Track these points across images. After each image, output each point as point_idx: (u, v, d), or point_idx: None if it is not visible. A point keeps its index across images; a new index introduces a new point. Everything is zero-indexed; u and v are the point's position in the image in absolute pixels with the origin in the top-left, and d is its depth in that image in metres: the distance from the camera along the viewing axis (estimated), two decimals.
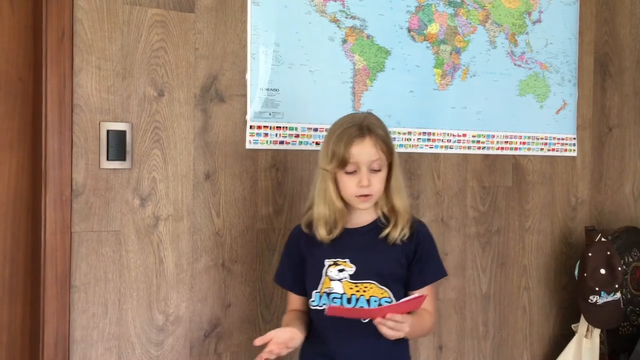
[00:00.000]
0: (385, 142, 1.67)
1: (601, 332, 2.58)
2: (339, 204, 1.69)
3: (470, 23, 2.48)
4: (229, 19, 2.07)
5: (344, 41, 2.24)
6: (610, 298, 2.51)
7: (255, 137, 2.11)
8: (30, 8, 1.91)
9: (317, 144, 2.19)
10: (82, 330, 1.89)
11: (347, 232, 1.71)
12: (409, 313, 1.61)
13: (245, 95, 2.09)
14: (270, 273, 2.13)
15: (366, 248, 1.70)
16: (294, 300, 1.80)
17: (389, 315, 1.53)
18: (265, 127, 2.12)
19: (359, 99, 2.27)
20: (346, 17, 2.24)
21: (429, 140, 2.42)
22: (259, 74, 2.10)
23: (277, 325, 2.15)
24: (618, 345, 2.67)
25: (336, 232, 1.70)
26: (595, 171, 2.84)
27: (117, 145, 1.91)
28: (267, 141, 2.12)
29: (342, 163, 1.64)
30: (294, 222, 2.17)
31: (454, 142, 2.47)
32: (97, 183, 1.90)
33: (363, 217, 1.72)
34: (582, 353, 2.55)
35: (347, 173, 1.66)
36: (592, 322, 2.53)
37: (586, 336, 2.55)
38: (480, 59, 2.50)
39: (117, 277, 1.93)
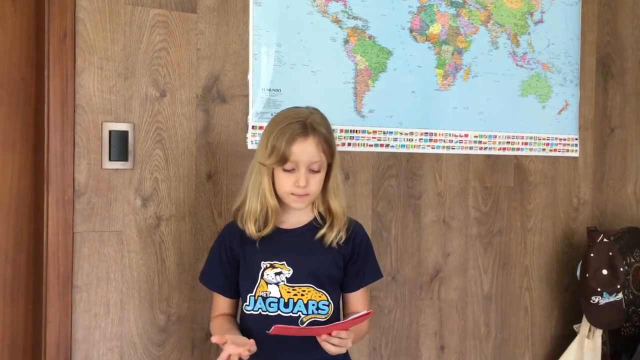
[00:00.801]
0: (327, 143, 1.61)
1: (603, 332, 2.58)
2: (272, 201, 1.62)
3: (472, 23, 2.48)
4: (231, 19, 2.07)
5: (346, 41, 2.24)
6: (612, 299, 2.51)
7: (257, 138, 2.11)
8: (32, 8, 1.91)
9: None
10: (84, 330, 1.89)
11: (283, 233, 1.66)
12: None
13: (247, 96, 2.09)
14: None
15: (303, 250, 1.64)
16: (223, 304, 1.70)
17: (334, 333, 1.49)
18: None
19: (361, 99, 2.28)
20: (348, 18, 2.24)
21: (430, 140, 2.42)
22: (260, 75, 2.10)
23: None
24: (620, 346, 2.66)
25: (267, 230, 1.63)
26: (597, 172, 2.84)
27: (119, 146, 1.91)
28: None
29: (282, 160, 1.58)
30: None
31: (456, 142, 2.47)
32: (99, 183, 1.90)
33: (299, 217, 1.67)
34: (584, 354, 2.55)
35: (285, 170, 1.60)
36: (594, 322, 2.53)
37: (588, 337, 2.55)
38: (482, 59, 2.50)
39: (119, 277, 1.93)
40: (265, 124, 2.10)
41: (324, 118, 1.66)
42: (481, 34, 2.50)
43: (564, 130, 2.72)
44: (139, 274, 1.96)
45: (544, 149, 2.67)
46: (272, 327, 1.48)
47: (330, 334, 1.50)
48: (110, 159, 1.91)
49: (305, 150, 1.58)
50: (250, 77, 2.09)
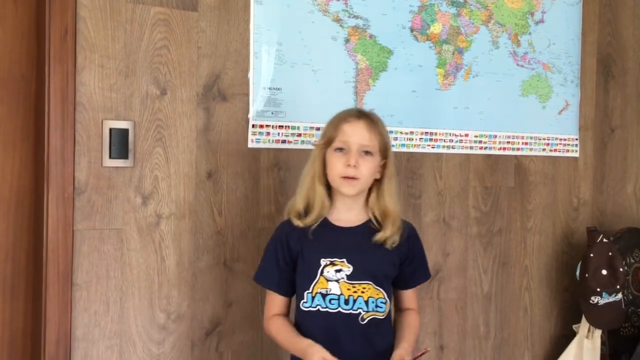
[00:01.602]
0: (381, 134, 1.64)
1: (602, 332, 2.58)
2: (319, 187, 1.65)
3: (473, 23, 2.48)
4: (232, 17, 2.07)
5: (347, 40, 2.24)
6: (611, 299, 2.51)
7: (258, 136, 2.11)
8: (33, 6, 1.91)
9: None
10: (83, 328, 1.89)
11: (340, 231, 1.68)
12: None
13: (247, 94, 2.09)
14: None
15: (361, 248, 1.67)
16: (278, 303, 1.71)
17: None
18: (267, 126, 2.12)
19: (362, 98, 2.27)
20: (349, 17, 2.24)
21: (431, 140, 2.42)
22: (261, 73, 2.10)
23: None
24: (619, 346, 2.66)
25: (310, 220, 1.65)
26: (597, 172, 2.84)
27: (120, 144, 1.91)
28: (269, 140, 2.12)
29: (332, 138, 1.61)
30: None
31: (456, 142, 2.47)
32: (99, 181, 1.90)
33: (354, 215, 1.69)
34: (583, 354, 2.55)
35: (337, 150, 1.62)
36: (594, 322, 2.53)
37: (587, 337, 2.55)
38: (483, 59, 2.50)
39: (118, 275, 1.93)
40: (265, 123, 2.12)
41: (380, 118, 1.70)
42: (482, 33, 2.50)
43: (565, 131, 2.72)
44: (138, 272, 1.96)
45: (544, 149, 2.67)
46: None
47: None
48: (110, 157, 1.90)
49: (356, 130, 1.61)
50: (250, 75, 2.09)
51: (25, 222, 1.93)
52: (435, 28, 2.40)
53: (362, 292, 1.64)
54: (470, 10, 2.47)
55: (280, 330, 1.68)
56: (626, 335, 2.68)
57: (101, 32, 1.89)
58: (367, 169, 1.62)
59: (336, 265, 1.64)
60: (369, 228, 1.69)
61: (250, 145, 2.10)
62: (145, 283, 1.97)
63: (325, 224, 1.68)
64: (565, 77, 2.70)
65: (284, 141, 2.15)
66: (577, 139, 2.76)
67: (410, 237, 1.72)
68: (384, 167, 1.67)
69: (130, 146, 1.93)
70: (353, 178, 1.61)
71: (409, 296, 1.78)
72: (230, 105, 2.07)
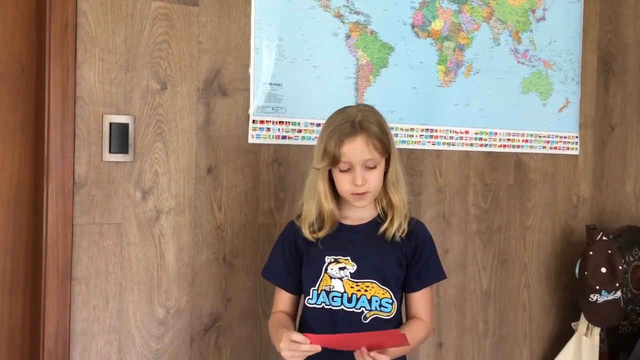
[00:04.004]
0: (379, 139, 1.60)
1: (601, 330, 2.58)
2: (328, 204, 1.65)
3: (474, 20, 2.47)
4: (233, 12, 2.07)
5: (348, 36, 2.24)
6: (610, 297, 2.51)
7: (258, 132, 2.10)
8: (33, 0, 1.90)
9: None
10: (82, 323, 1.89)
11: (347, 229, 1.68)
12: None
13: (248, 90, 2.09)
14: None
15: (367, 246, 1.66)
16: (284, 300, 1.72)
17: (373, 354, 1.48)
18: (267, 121, 2.11)
19: (362, 94, 2.27)
20: (350, 13, 2.23)
21: (431, 136, 2.42)
22: (262, 69, 2.10)
23: None
24: (618, 344, 2.67)
25: (323, 232, 1.65)
26: (597, 170, 2.84)
27: (120, 138, 1.91)
28: (269, 136, 2.12)
29: (334, 162, 1.60)
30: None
31: (457, 139, 2.47)
32: (99, 176, 1.90)
33: (362, 213, 1.69)
34: (581, 351, 2.56)
35: (342, 171, 1.61)
36: (592, 320, 2.53)
37: (586, 335, 2.55)
38: (484, 56, 2.49)
39: (118, 270, 1.93)
40: (266, 118, 2.11)
41: (375, 114, 1.65)
42: (483, 30, 2.49)
43: (565, 128, 2.72)
44: (138, 267, 1.96)
45: (544, 147, 2.67)
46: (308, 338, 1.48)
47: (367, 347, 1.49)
48: (110, 152, 1.90)
49: (356, 149, 1.58)
50: (251, 71, 2.09)
51: (24, 216, 1.93)
52: (437, 24, 2.40)
53: (366, 290, 1.63)
54: (472, 7, 2.46)
55: (272, 324, 1.69)
56: (625, 334, 2.68)
57: (102, 26, 1.89)
58: (374, 180, 1.62)
59: (340, 262, 1.64)
60: (376, 224, 1.68)
61: (251, 140, 2.09)
62: (144, 278, 1.97)
63: None
64: (565, 74, 2.70)
65: (284, 137, 2.14)
66: (577, 137, 2.76)
67: (419, 235, 1.68)
68: (387, 160, 1.66)
69: (130, 141, 1.92)
70: (363, 193, 1.62)
71: (415, 301, 1.69)
72: (230, 101, 2.07)
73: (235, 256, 2.09)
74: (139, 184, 1.95)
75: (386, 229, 1.65)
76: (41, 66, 1.87)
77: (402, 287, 1.69)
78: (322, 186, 1.64)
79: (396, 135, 2.33)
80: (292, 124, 2.15)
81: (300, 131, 2.17)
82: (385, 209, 1.68)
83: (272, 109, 2.12)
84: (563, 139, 2.72)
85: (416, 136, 2.38)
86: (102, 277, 1.91)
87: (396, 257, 1.66)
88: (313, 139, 2.18)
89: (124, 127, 1.91)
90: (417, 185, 2.41)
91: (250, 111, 2.09)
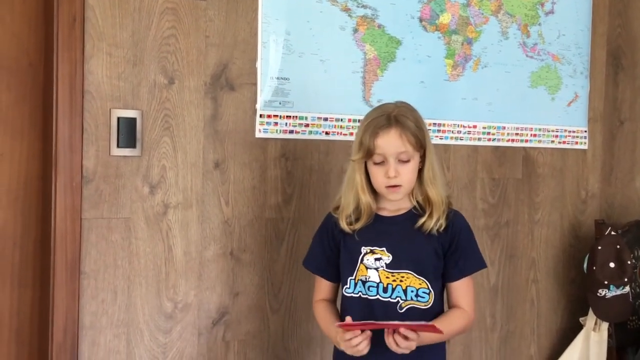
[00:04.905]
0: (413, 134, 1.63)
1: (609, 325, 2.57)
2: (365, 197, 1.68)
3: (482, 13, 2.46)
4: (240, 7, 2.06)
5: (355, 30, 2.23)
6: (619, 292, 2.50)
7: (265, 126, 2.10)
8: None
9: (326, 133, 2.19)
10: (91, 317, 1.90)
11: (383, 220, 1.70)
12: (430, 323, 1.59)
13: (255, 84, 2.08)
14: (279, 262, 2.14)
15: (403, 237, 1.68)
16: (324, 288, 1.78)
17: (402, 330, 1.52)
18: (275, 116, 2.11)
19: (370, 88, 2.27)
20: (357, 6, 2.23)
21: (439, 131, 2.41)
22: (269, 63, 2.09)
23: (285, 314, 2.16)
24: (626, 339, 2.66)
25: (360, 224, 1.68)
26: (606, 164, 2.83)
27: (128, 133, 1.91)
28: (276, 130, 2.12)
29: (368, 154, 1.64)
30: (302, 212, 2.17)
31: (464, 133, 2.46)
32: (107, 170, 1.90)
33: (397, 204, 1.71)
34: (589, 347, 2.55)
35: (376, 164, 1.65)
36: (601, 315, 2.52)
37: (594, 330, 2.55)
38: (492, 49, 2.48)
39: (126, 264, 1.94)
40: (273, 113, 2.11)
41: (411, 110, 1.69)
42: (491, 24, 2.48)
43: (573, 123, 2.70)
44: (146, 261, 1.96)
45: (552, 141, 2.66)
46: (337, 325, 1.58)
47: (398, 332, 1.53)
48: (118, 146, 1.90)
49: (390, 141, 1.62)
50: (258, 65, 2.09)
51: (33, 210, 1.94)
52: (445, 18, 2.39)
53: (401, 280, 1.65)
54: (480, 1, 2.45)
55: (321, 317, 1.75)
56: (633, 329, 2.67)
57: (109, 20, 1.89)
58: (407, 174, 1.65)
59: (376, 253, 1.67)
60: (412, 216, 1.69)
61: (258, 135, 2.09)
62: (152, 272, 1.97)
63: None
64: (574, 68, 2.68)
65: (291, 131, 2.14)
66: (586, 131, 2.74)
67: (455, 225, 1.69)
68: (423, 156, 1.68)
69: (138, 135, 1.93)
70: (397, 186, 1.65)
71: (455, 290, 1.71)
72: (238, 95, 2.07)
73: (242, 251, 2.09)
74: (147, 179, 1.96)
75: (424, 223, 1.67)
76: (49, 61, 1.87)
77: (442, 278, 1.70)
78: (359, 179, 1.68)
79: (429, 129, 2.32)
80: (300, 119, 2.15)
81: (307, 125, 2.16)
82: (421, 203, 1.70)
83: (280, 103, 2.12)
84: (572, 134, 2.70)
85: None
86: (110, 271, 1.92)
87: (433, 248, 1.68)
88: (320, 134, 2.18)
89: (132, 121, 1.92)
90: None
91: (258, 105, 2.09)
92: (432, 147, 1.70)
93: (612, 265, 2.50)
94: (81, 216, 1.87)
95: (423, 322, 1.57)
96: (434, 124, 2.39)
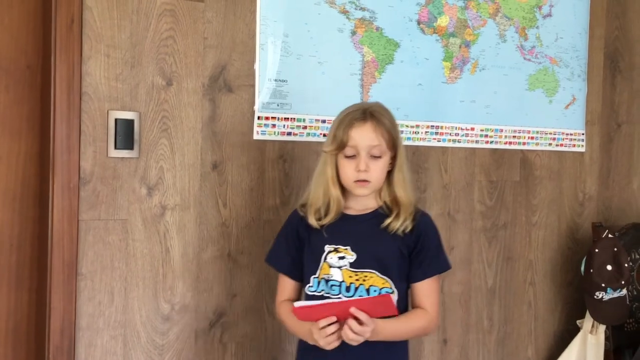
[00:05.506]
0: (387, 130, 1.64)
1: (606, 328, 2.58)
2: (335, 191, 1.67)
3: (480, 16, 2.46)
4: (238, 8, 2.06)
5: (353, 33, 2.23)
6: (616, 294, 2.50)
7: (263, 128, 2.10)
8: None
9: (324, 135, 2.19)
10: (88, 318, 1.89)
11: (348, 219, 1.69)
12: (386, 317, 1.58)
13: (253, 86, 2.09)
14: None
15: (367, 236, 1.67)
16: (288, 287, 1.75)
17: (353, 310, 1.50)
18: (273, 118, 2.11)
19: (368, 90, 2.27)
20: (355, 9, 2.23)
21: (436, 133, 2.41)
22: (267, 65, 2.10)
23: None
24: (623, 342, 2.66)
25: (328, 219, 1.67)
26: (603, 167, 2.83)
27: (125, 134, 1.91)
28: (274, 132, 2.12)
29: (341, 145, 1.63)
30: None
31: (462, 135, 2.46)
32: (104, 171, 1.90)
33: (364, 204, 1.70)
34: (587, 349, 2.55)
35: (347, 157, 1.64)
36: (598, 318, 2.53)
37: (591, 332, 2.55)
38: (490, 52, 2.49)
39: (123, 265, 1.94)
40: (271, 114, 2.11)
41: (387, 110, 1.70)
42: (489, 27, 2.48)
43: (571, 125, 2.71)
44: (143, 263, 1.96)
45: (550, 144, 2.66)
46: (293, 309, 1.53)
47: (353, 316, 1.51)
48: (116, 147, 1.90)
49: (364, 134, 1.63)
50: (256, 67, 2.09)
51: (30, 211, 1.94)
52: (442, 21, 2.39)
53: (364, 280, 1.64)
54: (478, 3, 2.45)
55: (289, 315, 1.69)
56: (630, 331, 2.68)
57: (107, 21, 1.89)
58: (377, 170, 1.65)
59: (340, 252, 1.66)
60: (378, 215, 1.69)
61: (256, 137, 2.09)
62: (149, 274, 1.97)
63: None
64: (572, 71, 2.69)
65: (289, 133, 2.14)
66: (583, 134, 2.75)
67: (421, 226, 1.69)
68: (393, 158, 1.68)
69: (136, 137, 1.93)
70: (365, 181, 1.64)
71: (419, 291, 1.70)
72: (236, 97, 2.07)
73: (240, 252, 2.09)
74: (145, 180, 1.95)
75: (390, 223, 1.66)
76: (47, 62, 1.87)
77: (407, 279, 1.70)
78: (330, 172, 1.67)
79: (402, 132, 2.32)
80: (298, 120, 2.15)
81: (305, 127, 2.16)
82: (389, 204, 1.69)
83: (278, 105, 2.12)
84: (569, 136, 2.71)
85: (422, 133, 2.38)
86: (107, 272, 1.92)
87: (398, 248, 1.67)
88: (318, 135, 2.18)
89: (130, 123, 1.92)
90: (422, 182, 2.40)
91: (256, 107, 2.09)
92: (403, 150, 1.70)
93: (609, 267, 2.51)
94: (78, 217, 1.87)
95: (377, 295, 1.58)
96: (432, 126, 2.40)
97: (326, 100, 2.19)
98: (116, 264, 1.93)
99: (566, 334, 2.69)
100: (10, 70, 1.89)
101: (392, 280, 1.65)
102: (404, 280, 1.69)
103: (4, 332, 1.92)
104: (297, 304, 1.55)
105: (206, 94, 2.03)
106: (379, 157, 1.64)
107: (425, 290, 1.70)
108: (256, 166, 2.11)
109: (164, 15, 1.96)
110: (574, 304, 2.74)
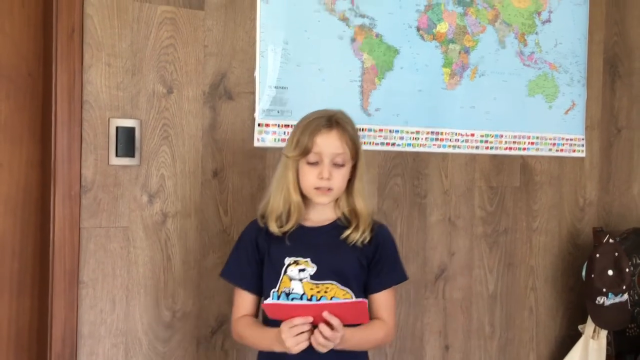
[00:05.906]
0: (352, 140, 1.64)
1: (608, 333, 2.57)
2: (295, 197, 1.64)
3: (479, 22, 2.47)
4: (239, 16, 2.07)
5: (353, 40, 2.24)
6: (617, 299, 2.50)
7: (264, 135, 2.11)
8: (40, 3, 1.92)
9: None
10: (89, 326, 1.90)
11: (308, 231, 1.67)
12: (353, 326, 1.56)
13: (253, 93, 2.09)
14: None
15: (327, 248, 1.65)
16: (247, 302, 1.69)
17: (326, 315, 1.48)
18: (273, 125, 2.12)
19: (367, 97, 2.27)
20: (355, 16, 2.24)
21: (437, 139, 2.42)
22: (267, 72, 2.10)
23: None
24: (625, 347, 2.66)
25: (289, 227, 1.64)
26: (603, 172, 2.83)
27: (126, 142, 1.91)
28: (275, 139, 2.12)
29: (305, 151, 1.61)
30: None
31: (462, 141, 2.46)
32: (105, 179, 1.91)
33: (323, 215, 1.68)
34: (588, 354, 2.55)
35: (309, 163, 1.62)
36: (599, 323, 2.52)
37: (593, 337, 2.54)
38: (489, 58, 2.49)
39: (125, 273, 1.94)
40: (271, 122, 2.12)
41: (350, 118, 1.70)
42: (488, 33, 2.49)
43: (571, 131, 2.71)
44: (144, 271, 1.96)
45: (550, 149, 2.66)
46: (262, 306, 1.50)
47: (325, 321, 1.49)
48: (117, 155, 1.91)
49: (329, 141, 1.62)
50: (257, 74, 2.09)
51: (31, 219, 1.94)
52: (442, 27, 2.40)
53: (326, 292, 1.62)
54: (477, 10, 2.46)
55: (248, 327, 1.66)
56: (632, 336, 2.67)
57: (108, 30, 1.90)
58: (339, 179, 1.64)
59: (300, 264, 1.63)
60: (337, 227, 1.67)
61: (256, 144, 2.10)
62: (151, 281, 1.97)
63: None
64: (571, 77, 2.69)
65: None
66: (583, 139, 2.75)
67: (379, 237, 1.68)
68: (354, 167, 1.67)
69: (137, 144, 1.93)
70: (329, 189, 1.63)
71: (377, 302, 1.68)
72: (236, 104, 2.07)
73: None
74: (146, 188, 1.96)
75: (349, 235, 1.65)
76: (48, 70, 1.88)
77: (365, 290, 1.68)
78: (292, 177, 1.65)
79: (402, 138, 2.34)
80: None
81: None
82: (347, 215, 1.68)
83: (278, 112, 2.13)
84: (569, 141, 2.71)
85: (422, 139, 2.38)
86: (108, 280, 1.92)
87: (357, 259, 1.66)
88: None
89: (131, 130, 1.92)
90: (422, 188, 2.40)
91: (256, 115, 2.10)
92: (364, 159, 1.69)
93: (610, 272, 2.51)
94: (80, 225, 1.87)
95: (350, 300, 1.57)
96: (432, 132, 2.40)
97: (326, 107, 2.17)
98: (117, 272, 1.93)
99: (568, 340, 2.69)
100: (11, 77, 1.90)
101: (352, 291, 1.64)
102: (363, 291, 1.68)
103: (6, 340, 1.92)
104: (268, 301, 1.52)
105: (207, 102, 2.03)
106: (342, 165, 1.63)
107: (383, 301, 1.69)
108: (257, 173, 2.11)
109: (165, 24, 1.97)
110: (575, 309, 2.73)
